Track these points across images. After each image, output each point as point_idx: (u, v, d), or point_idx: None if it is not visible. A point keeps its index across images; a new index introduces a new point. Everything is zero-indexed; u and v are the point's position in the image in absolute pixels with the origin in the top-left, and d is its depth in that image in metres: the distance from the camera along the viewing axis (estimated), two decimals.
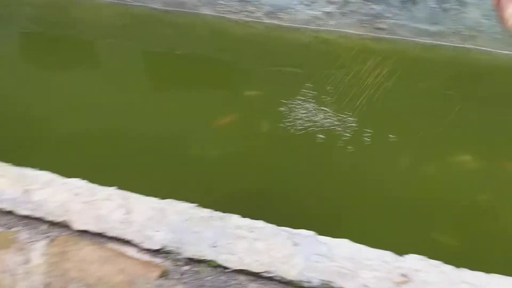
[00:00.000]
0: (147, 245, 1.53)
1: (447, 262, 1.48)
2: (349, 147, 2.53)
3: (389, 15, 3.30)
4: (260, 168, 2.42)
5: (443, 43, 3.30)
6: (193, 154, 2.49)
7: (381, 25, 3.36)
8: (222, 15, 3.66)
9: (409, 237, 2.03)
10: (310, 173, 2.40)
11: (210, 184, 2.28)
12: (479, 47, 3.23)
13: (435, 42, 3.31)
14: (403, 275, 1.44)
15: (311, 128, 2.65)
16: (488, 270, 1.49)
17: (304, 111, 2.73)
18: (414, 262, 1.47)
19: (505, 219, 2.19)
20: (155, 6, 3.78)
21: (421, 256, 1.49)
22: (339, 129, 2.64)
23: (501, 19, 0.91)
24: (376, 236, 1.98)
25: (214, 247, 1.48)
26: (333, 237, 1.54)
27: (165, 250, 1.52)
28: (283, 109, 2.76)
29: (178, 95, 3.09)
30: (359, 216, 2.17)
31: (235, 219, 1.55)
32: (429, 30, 3.28)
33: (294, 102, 2.80)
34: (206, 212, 1.56)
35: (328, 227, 2.04)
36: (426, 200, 2.25)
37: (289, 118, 2.70)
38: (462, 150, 2.56)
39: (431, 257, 1.50)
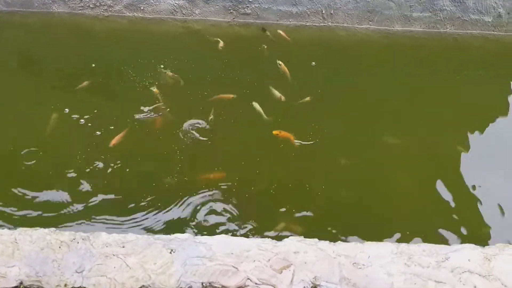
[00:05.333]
0: (1, 284, 1.33)
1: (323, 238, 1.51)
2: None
3: None
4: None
5: (307, 23, 3.41)
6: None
7: (246, 10, 3.36)
8: (78, 11, 3.36)
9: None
10: None
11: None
12: (338, 24, 3.39)
13: (299, 23, 3.40)
14: (284, 260, 1.44)
15: None
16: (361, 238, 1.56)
17: None
18: (292, 244, 1.47)
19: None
20: None
21: (299, 237, 1.50)
22: None
23: None
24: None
25: (81, 272, 1.33)
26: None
27: (24, 286, 1.33)
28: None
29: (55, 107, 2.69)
30: None
31: (102, 237, 1.41)
32: (292, 11, 3.36)
33: None
34: (67, 235, 1.40)
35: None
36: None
37: None
38: None
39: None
